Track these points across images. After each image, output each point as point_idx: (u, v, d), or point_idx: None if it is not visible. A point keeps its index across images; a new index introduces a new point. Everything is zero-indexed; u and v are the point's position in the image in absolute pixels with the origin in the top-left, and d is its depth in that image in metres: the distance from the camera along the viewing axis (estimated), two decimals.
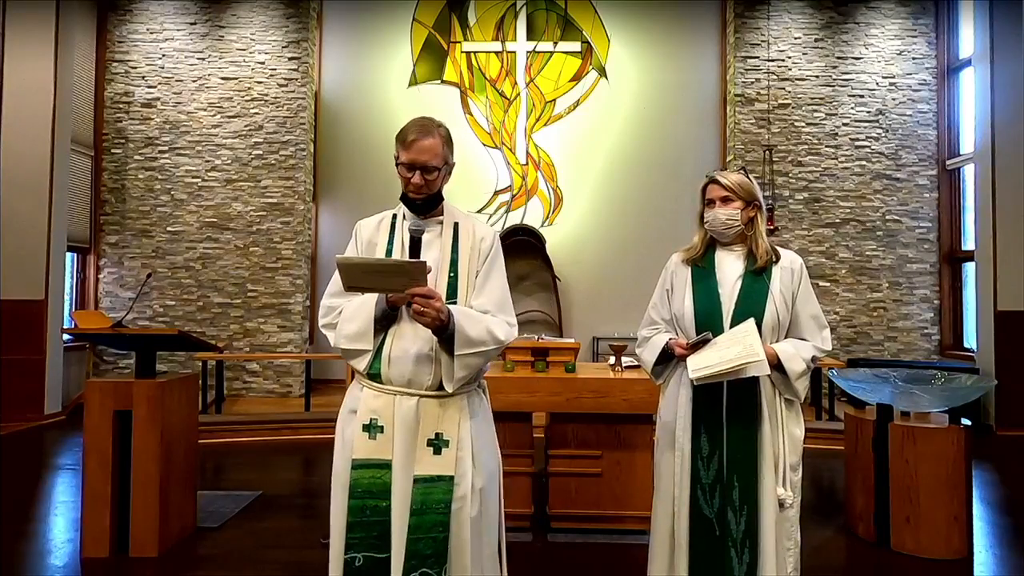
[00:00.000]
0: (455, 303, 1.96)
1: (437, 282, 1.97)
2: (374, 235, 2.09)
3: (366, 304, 1.95)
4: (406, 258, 1.95)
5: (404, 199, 2.06)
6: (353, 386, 2.05)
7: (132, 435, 3.41)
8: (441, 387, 1.94)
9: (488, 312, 1.99)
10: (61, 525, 3.96)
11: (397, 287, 1.84)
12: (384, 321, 1.94)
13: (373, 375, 1.96)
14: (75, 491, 4.57)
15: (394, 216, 2.10)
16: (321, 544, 3.62)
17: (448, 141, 2.03)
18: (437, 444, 1.92)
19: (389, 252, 2.04)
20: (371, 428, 1.94)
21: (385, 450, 1.92)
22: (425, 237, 1.99)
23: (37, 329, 6.89)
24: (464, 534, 1.90)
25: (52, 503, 4.46)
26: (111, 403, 3.42)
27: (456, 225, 2.07)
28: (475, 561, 1.93)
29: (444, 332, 1.88)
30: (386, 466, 1.91)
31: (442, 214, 2.08)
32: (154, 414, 3.41)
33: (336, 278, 2.03)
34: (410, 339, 1.93)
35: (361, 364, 1.95)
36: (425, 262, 1.84)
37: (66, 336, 7.18)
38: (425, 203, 2.03)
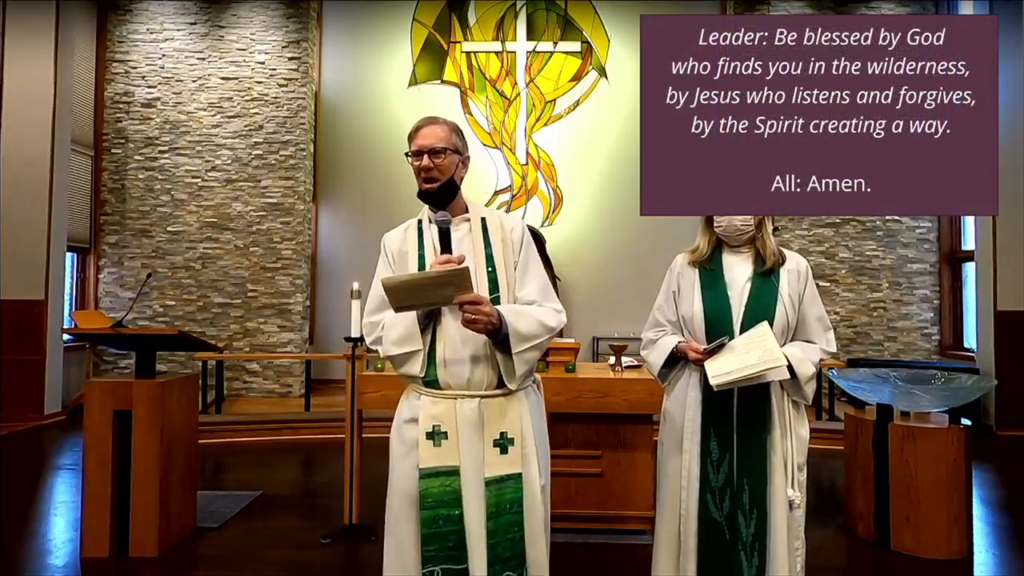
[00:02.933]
0: (498, 296, 1.95)
1: (476, 279, 1.94)
2: (403, 244, 2.06)
3: None
4: (435, 259, 1.93)
5: (422, 196, 2.04)
6: (407, 396, 2.02)
7: (132, 435, 3.41)
8: (499, 385, 1.93)
9: (535, 302, 1.98)
10: (61, 525, 3.96)
11: (445, 298, 1.83)
12: (426, 317, 1.93)
13: (429, 382, 1.94)
14: (75, 491, 4.57)
15: (419, 222, 2.09)
16: (321, 544, 3.62)
17: (456, 131, 2.04)
18: (503, 443, 1.91)
19: (422, 258, 2.01)
20: (435, 435, 1.90)
21: (452, 456, 1.89)
22: (455, 235, 1.98)
23: (37, 329, 6.89)
24: (537, 531, 1.91)
25: (52, 503, 4.46)
26: (111, 403, 3.42)
27: (483, 220, 2.06)
28: (544, 558, 1.93)
29: (498, 335, 1.87)
30: (455, 472, 1.88)
31: (467, 211, 2.07)
32: (154, 414, 3.41)
33: (372, 295, 2.03)
34: (459, 341, 1.91)
35: (415, 367, 1.92)
36: (466, 268, 1.82)
37: (66, 336, 7.17)
38: (441, 191, 1.99)
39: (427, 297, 1.83)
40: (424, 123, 2.01)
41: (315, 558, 3.47)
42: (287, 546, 3.64)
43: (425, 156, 1.97)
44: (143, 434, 3.40)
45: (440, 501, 1.87)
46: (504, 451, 1.91)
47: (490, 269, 1.99)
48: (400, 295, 1.81)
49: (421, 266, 2.00)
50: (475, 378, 1.92)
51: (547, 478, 2.02)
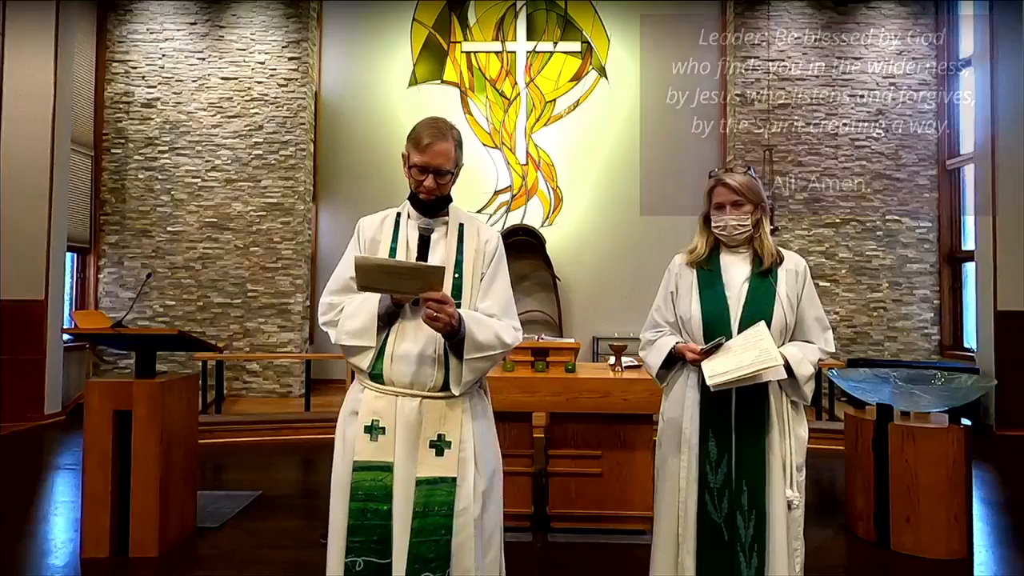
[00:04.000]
0: (459, 304, 1.95)
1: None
2: (377, 233, 2.07)
3: (369, 301, 1.93)
4: (413, 258, 1.95)
5: (412, 199, 2.05)
6: (353, 387, 2.04)
7: (132, 435, 3.41)
8: (443, 388, 1.93)
9: (494, 316, 1.98)
10: (61, 525, 3.96)
11: (412, 290, 1.84)
12: (387, 318, 1.93)
13: (375, 376, 1.95)
14: (75, 491, 4.57)
15: (398, 215, 2.09)
16: (321, 544, 3.62)
17: (460, 144, 2.03)
18: (439, 445, 1.91)
19: (393, 251, 2.03)
20: (373, 429, 1.92)
21: (387, 452, 1.90)
22: (432, 237, 1.98)
23: (37, 329, 6.89)
24: (467, 536, 1.89)
25: (52, 503, 4.46)
26: (111, 403, 3.42)
27: (461, 226, 2.06)
28: (478, 564, 1.91)
29: (454, 337, 1.87)
30: (388, 468, 1.89)
31: (447, 215, 2.07)
32: (154, 414, 3.41)
33: (337, 275, 2.04)
34: (412, 339, 1.92)
35: (364, 362, 1.93)
36: (443, 267, 1.84)
37: (66, 336, 7.18)
38: (436, 204, 2.02)
39: (395, 284, 1.84)
40: (433, 138, 1.95)
41: (315, 558, 3.46)
42: (287, 546, 3.64)
43: (431, 176, 1.96)
44: (143, 434, 3.40)
45: (370, 495, 1.89)
46: (440, 453, 1.90)
47: (456, 275, 1.99)
48: (370, 275, 1.82)
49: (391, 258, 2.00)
50: (420, 378, 1.92)
51: (494, 480, 2.00)
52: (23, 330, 6.81)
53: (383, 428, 1.91)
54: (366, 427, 1.92)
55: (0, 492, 4.46)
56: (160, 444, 3.41)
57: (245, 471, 5.26)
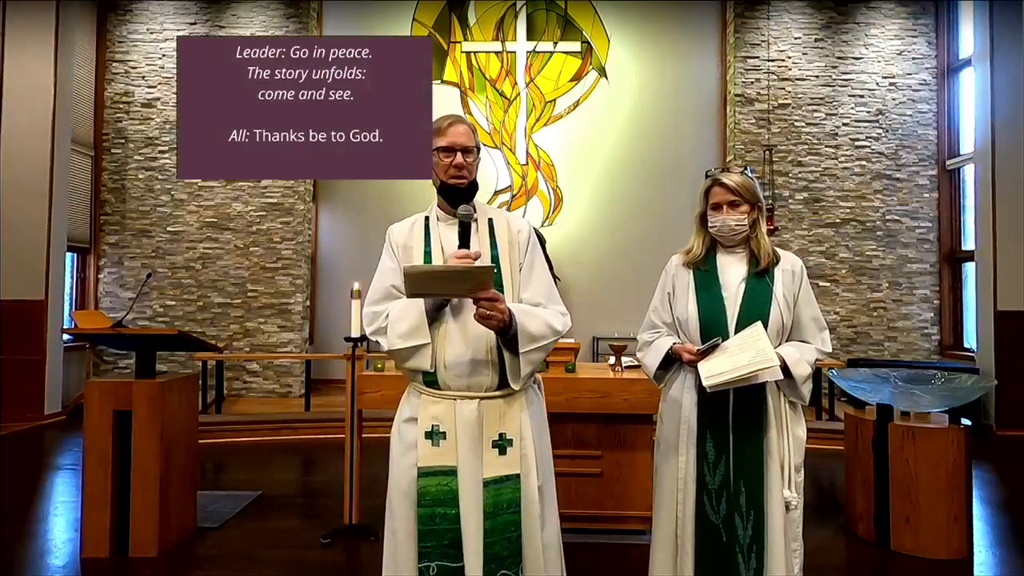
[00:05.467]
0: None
1: None
2: (408, 239, 2.07)
3: (415, 302, 1.92)
4: (446, 259, 1.95)
5: (444, 190, 2.04)
6: (408, 395, 2.04)
7: (132, 435, 3.41)
8: (500, 387, 1.94)
9: (539, 304, 1.99)
10: (61, 525, 3.96)
11: (463, 292, 1.84)
12: (435, 313, 1.93)
13: (429, 382, 1.95)
14: (75, 491, 4.57)
15: (426, 219, 2.09)
16: (321, 544, 3.63)
17: (475, 131, 2.08)
18: (502, 444, 1.92)
19: (427, 254, 2.03)
20: (433, 435, 1.92)
21: (450, 456, 1.90)
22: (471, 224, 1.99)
23: (37, 329, 6.90)
24: (534, 532, 1.91)
25: (52, 503, 4.46)
26: (111, 403, 3.42)
27: (490, 220, 2.08)
28: (546, 558, 1.94)
29: (507, 333, 1.87)
30: (452, 472, 1.89)
31: (476, 210, 2.07)
32: (154, 414, 3.41)
33: (375, 286, 2.04)
34: (462, 342, 1.92)
35: (423, 361, 1.91)
36: (492, 267, 1.85)
37: (66, 336, 7.18)
38: (470, 187, 2.03)
39: (445, 288, 1.85)
40: (452, 120, 2.02)
41: (315, 558, 3.47)
42: (287, 546, 3.64)
43: (459, 154, 1.99)
44: (143, 434, 3.40)
45: (437, 500, 1.89)
46: (503, 452, 1.92)
47: (495, 270, 1.99)
48: (420, 283, 1.82)
49: (426, 262, 2.01)
50: (475, 380, 1.92)
51: (549, 477, 2.03)
52: (23, 330, 6.82)
53: (444, 432, 1.91)
54: (426, 433, 1.92)
55: (0, 492, 4.46)
56: (160, 444, 3.41)
57: (245, 471, 5.26)
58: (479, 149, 2.07)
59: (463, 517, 1.87)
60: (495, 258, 2.01)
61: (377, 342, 2.00)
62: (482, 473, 1.89)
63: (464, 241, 1.93)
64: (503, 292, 1.95)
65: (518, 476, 1.91)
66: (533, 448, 1.95)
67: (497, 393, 1.94)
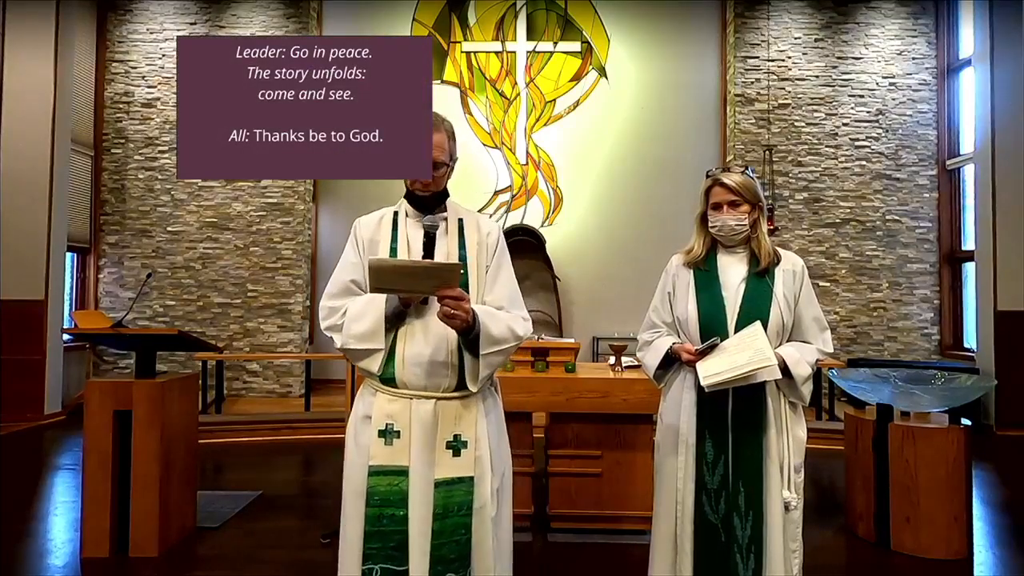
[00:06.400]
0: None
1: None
2: (375, 233, 2.04)
3: (374, 302, 1.90)
4: (416, 256, 1.94)
5: (409, 197, 2.04)
6: (364, 391, 2.00)
7: (132, 435, 3.41)
8: (458, 388, 1.92)
9: (502, 308, 1.97)
10: (61, 525, 3.96)
11: (427, 289, 1.83)
12: (395, 319, 1.91)
13: (387, 379, 1.92)
14: (75, 491, 4.57)
15: (395, 214, 2.07)
16: (321, 544, 3.63)
17: (452, 136, 2.02)
18: (456, 446, 1.90)
19: (393, 251, 2.01)
20: (387, 433, 1.89)
21: (402, 456, 1.88)
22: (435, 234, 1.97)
23: (37, 329, 6.89)
24: (484, 534, 1.89)
25: (52, 503, 4.46)
26: (111, 403, 3.42)
27: (460, 221, 2.05)
28: (496, 561, 1.92)
29: (470, 333, 1.86)
30: (403, 472, 1.87)
31: (446, 211, 2.05)
32: (154, 414, 3.41)
33: (336, 279, 2.02)
34: (423, 341, 1.90)
35: (374, 365, 1.90)
36: (460, 265, 1.82)
37: (66, 336, 7.18)
38: (433, 199, 2.01)
39: (411, 285, 1.83)
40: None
41: (315, 558, 3.47)
42: (287, 546, 3.65)
43: None
44: (143, 434, 3.40)
45: (386, 500, 1.86)
46: (457, 453, 1.89)
47: (462, 271, 1.97)
48: (384, 277, 1.80)
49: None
50: (434, 381, 1.90)
51: (507, 478, 2.01)
52: (23, 330, 6.81)
53: (398, 432, 1.89)
54: (380, 431, 1.90)
55: (0, 492, 4.46)
56: (160, 444, 3.41)
57: (245, 471, 5.26)
58: (453, 157, 2.02)
59: (411, 519, 1.84)
60: (463, 258, 1.99)
61: (331, 337, 1.97)
62: (434, 474, 1.87)
63: (428, 252, 1.91)
64: (468, 293, 1.93)
65: (471, 479, 1.89)
66: (488, 451, 1.93)
67: (455, 394, 1.92)
